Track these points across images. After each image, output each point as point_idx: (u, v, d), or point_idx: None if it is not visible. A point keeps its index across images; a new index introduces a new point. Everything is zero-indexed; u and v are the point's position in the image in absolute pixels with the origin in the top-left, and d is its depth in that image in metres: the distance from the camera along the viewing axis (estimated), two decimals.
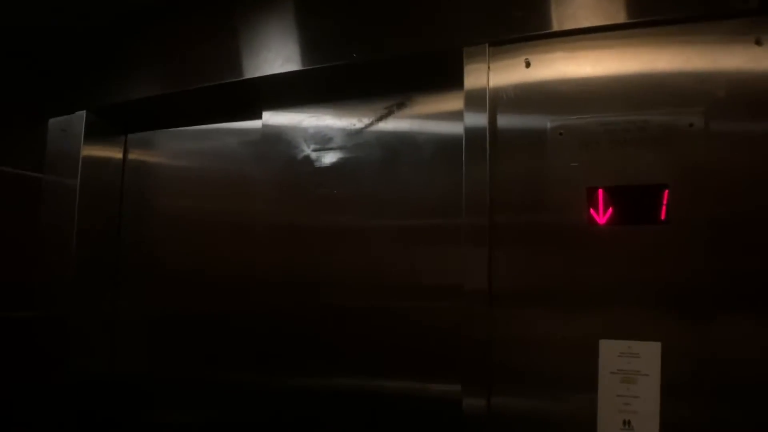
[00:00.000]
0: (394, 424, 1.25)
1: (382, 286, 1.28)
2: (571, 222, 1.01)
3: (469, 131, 1.10)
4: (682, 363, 0.93)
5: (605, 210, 1.00)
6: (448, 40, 1.14)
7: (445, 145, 1.24)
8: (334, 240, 1.33)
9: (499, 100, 1.09)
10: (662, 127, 0.97)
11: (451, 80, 1.15)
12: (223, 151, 1.53)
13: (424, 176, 1.26)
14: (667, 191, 0.96)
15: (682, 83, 0.97)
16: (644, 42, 1.00)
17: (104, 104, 1.53)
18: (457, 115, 1.17)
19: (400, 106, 1.30)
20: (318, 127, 1.38)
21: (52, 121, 1.58)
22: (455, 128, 1.19)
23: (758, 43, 0.93)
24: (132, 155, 1.66)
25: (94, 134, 1.55)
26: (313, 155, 1.38)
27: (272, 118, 1.44)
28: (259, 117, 1.46)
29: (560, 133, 1.04)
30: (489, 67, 1.10)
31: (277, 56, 1.30)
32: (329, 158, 1.36)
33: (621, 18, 1.01)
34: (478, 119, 1.09)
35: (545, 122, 1.05)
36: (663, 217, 0.96)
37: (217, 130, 1.54)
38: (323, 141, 1.37)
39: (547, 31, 1.06)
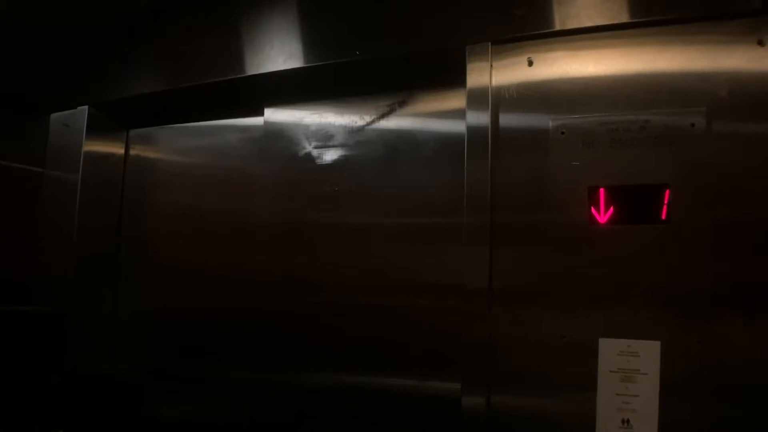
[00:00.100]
0: (393, 422, 1.25)
1: (382, 284, 1.28)
2: (572, 221, 1.02)
3: (471, 130, 1.10)
4: (681, 362, 0.93)
5: (606, 209, 1.00)
6: (451, 39, 1.14)
7: (446, 144, 1.24)
8: (334, 238, 1.33)
9: (501, 99, 1.09)
10: (664, 126, 0.97)
11: (454, 78, 1.15)
12: (225, 147, 1.53)
13: (425, 174, 1.26)
14: (668, 191, 0.96)
15: (684, 83, 0.98)
16: (647, 42, 1.00)
17: (106, 99, 1.53)
18: (459, 114, 1.18)
19: (402, 104, 1.30)
20: (320, 124, 1.38)
21: (54, 115, 1.59)
22: (457, 126, 1.20)
23: (761, 43, 0.93)
24: (133, 151, 1.66)
25: (96, 129, 1.55)
26: (315, 152, 1.38)
27: (274, 114, 1.44)
28: (261, 114, 1.46)
29: (562, 132, 1.04)
30: (492, 66, 1.10)
31: (279, 53, 1.30)
32: (331, 155, 1.36)
33: (624, 18, 1.01)
34: (481, 118, 1.09)
35: (547, 121, 1.05)
36: (664, 216, 0.96)
37: (219, 127, 1.55)
38: (325, 138, 1.37)
39: (550, 30, 1.06)
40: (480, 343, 1.06)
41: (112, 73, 1.52)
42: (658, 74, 0.99)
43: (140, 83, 1.47)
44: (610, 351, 0.97)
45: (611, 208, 0.99)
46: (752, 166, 0.92)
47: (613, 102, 1.01)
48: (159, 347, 1.56)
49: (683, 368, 0.93)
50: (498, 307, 1.05)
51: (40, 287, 1.53)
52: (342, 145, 1.35)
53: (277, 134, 1.43)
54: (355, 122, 1.35)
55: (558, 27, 1.05)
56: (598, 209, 1.00)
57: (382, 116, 1.32)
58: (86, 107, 1.53)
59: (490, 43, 1.10)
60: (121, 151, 1.65)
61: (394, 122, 1.31)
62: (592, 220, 1.00)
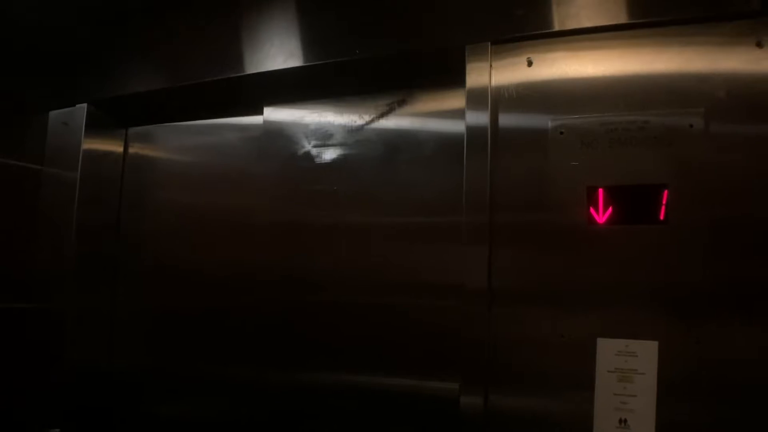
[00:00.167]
0: (392, 421, 1.25)
1: (381, 283, 1.28)
2: (571, 221, 1.02)
3: (470, 129, 1.10)
4: (679, 362, 0.93)
5: (605, 209, 1.00)
6: (451, 38, 1.14)
7: (446, 143, 1.24)
8: (333, 237, 1.33)
9: (500, 99, 1.09)
10: (663, 127, 0.98)
11: (453, 78, 1.15)
12: (224, 146, 1.53)
13: (424, 174, 1.26)
14: (666, 191, 0.96)
15: (682, 84, 0.98)
16: (646, 42, 1.01)
17: (105, 97, 1.53)
18: (458, 113, 1.18)
19: (402, 103, 1.31)
20: (319, 123, 1.38)
21: (53, 113, 1.58)
22: (456, 126, 1.20)
23: (759, 45, 0.94)
24: (132, 149, 1.66)
25: (94, 127, 1.55)
26: (314, 152, 1.38)
27: (273, 113, 1.44)
28: (261, 113, 1.46)
29: (561, 132, 1.04)
30: (491, 66, 1.10)
31: (279, 52, 1.30)
32: (330, 155, 1.36)
33: (623, 18, 1.02)
34: (480, 118, 1.10)
35: (546, 121, 1.06)
36: (662, 217, 0.96)
37: (219, 126, 1.54)
38: (324, 137, 1.37)
39: (550, 31, 1.06)
40: (479, 343, 1.06)
41: (112, 71, 1.52)
42: (657, 75, 1.00)
43: (139, 81, 1.47)
44: (608, 351, 0.97)
45: (610, 208, 1.00)
46: (750, 166, 0.92)
47: (612, 102, 1.02)
48: (157, 346, 1.56)
49: (681, 368, 0.93)
50: (497, 307, 1.06)
51: (39, 285, 1.52)
52: (341, 145, 1.35)
53: (276, 133, 1.43)
54: (355, 121, 1.35)
55: (557, 27, 1.06)
56: (596, 209, 1.00)
57: (382, 116, 1.32)
58: (85, 105, 1.53)
59: (489, 43, 1.10)
60: (120, 149, 1.65)
61: (393, 122, 1.31)
62: (591, 220, 1.01)
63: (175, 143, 1.60)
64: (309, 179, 1.37)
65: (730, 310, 0.91)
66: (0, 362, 1.46)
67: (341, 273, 1.32)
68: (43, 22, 1.50)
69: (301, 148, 1.40)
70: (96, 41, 1.56)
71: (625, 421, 0.95)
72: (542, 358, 1.02)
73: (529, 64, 1.08)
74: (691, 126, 0.96)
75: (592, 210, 1.01)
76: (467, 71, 1.11)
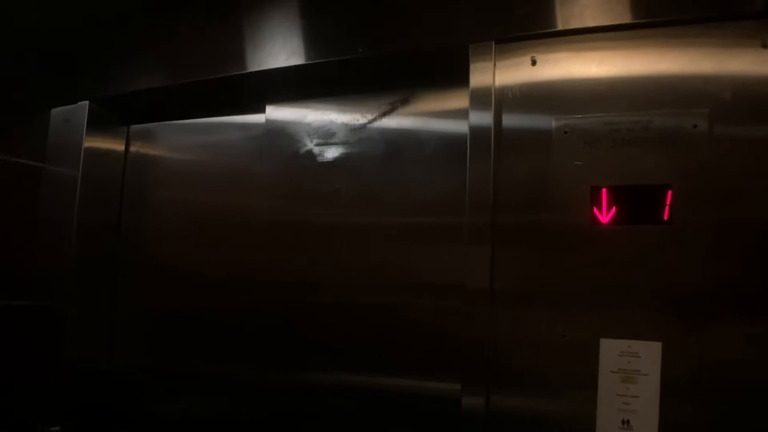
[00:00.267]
0: (392, 422, 1.25)
1: (382, 283, 1.28)
2: (575, 221, 1.01)
3: (473, 129, 1.10)
4: (682, 363, 0.93)
5: (608, 209, 1.00)
6: (454, 37, 1.14)
7: (448, 143, 1.24)
8: (334, 236, 1.33)
9: (504, 99, 1.09)
10: (666, 127, 0.97)
11: (457, 77, 1.14)
12: (226, 144, 1.52)
13: (426, 174, 1.26)
14: (670, 192, 0.96)
15: (686, 85, 0.98)
16: (650, 43, 1.00)
17: (107, 95, 1.52)
18: (461, 113, 1.17)
19: (405, 102, 1.30)
20: (321, 121, 1.38)
21: (54, 111, 1.58)
22: (459, 126, 1.19)
23: (764, 46, 0.93)
24: (134, 147, 1.65)
25: (96, 125, 1.55)
26: (316, 150, 1.38)
27: (275, 112, 1.44)
28: (263, 111, 1.45)
29: (565, 132, 1.04)
30: (495, 65, 1.10)
31: (282, 50, 1.29)
32: (332, 153, 1.36)
33: (627, 18, 1.01)
34: (483, 117, 1.09)
35: (550, 121, 1.05)
36: (666, 217, 0.96)
37: (221, 124, 1.54)
38: (326, 136, 1.37)
39: (554, 30, 1.06)
40: (480, 343, 1.05)
41: (113, 69, 1.52)
42: (661, 75, 0.99)
43: (141, 79, 1.47)
44: (611, 351, 0.97)
45: (613, 209, 0.99)
46: (754, 167, 0.92)
47: (616, 102, 1.01)
48: (157, 345, 1.56)
49: (684, 369, 0.93)
50: (499, 307, 1.05)
51: (39, 283, 1.52)
52: (343, 143, 1.35)
53: (278, 132, 1.43)
54: (357, 120, 1.34)
55: (561, 27, 1.05)
56: (600, 209, 1.00)
57: (384, 114, 1.32)
58: (87, 103, 1.53)
59: (493, 42, 1.10)
60: (121, 147, 1.64)
61: (395, 121, 1.31)
62: (595, 220, 1.00)
63: (177, 142, 1.60)
64: (311, 178, 1.37)
65: (733, 311, 0.91)
66: (1, 360, 1.46)
67: (342, 272, 1.31)
68: (44, 22, 1.50)
69: (303, 147, 1.39)
70: (98, 39, 1.56)
71: (628, 422, 0.95)
72: (544, 358, 1.01)
73: (533, 63, 1.08)
74: (695, 127, 0.96)
75: (595, 210, 1.00)
76: (471, 70, 1.11)
